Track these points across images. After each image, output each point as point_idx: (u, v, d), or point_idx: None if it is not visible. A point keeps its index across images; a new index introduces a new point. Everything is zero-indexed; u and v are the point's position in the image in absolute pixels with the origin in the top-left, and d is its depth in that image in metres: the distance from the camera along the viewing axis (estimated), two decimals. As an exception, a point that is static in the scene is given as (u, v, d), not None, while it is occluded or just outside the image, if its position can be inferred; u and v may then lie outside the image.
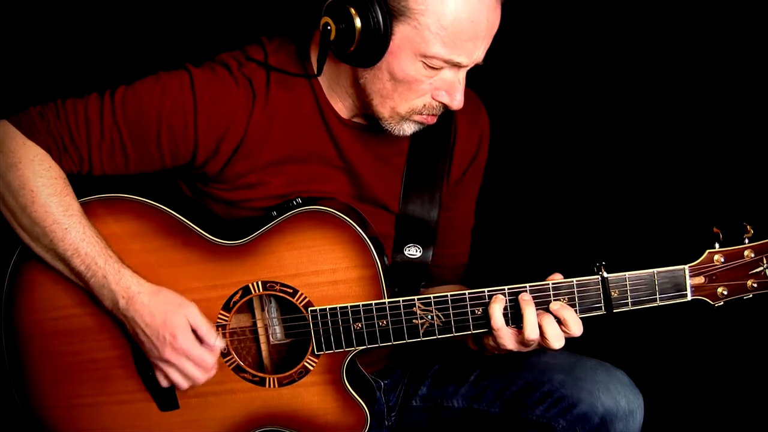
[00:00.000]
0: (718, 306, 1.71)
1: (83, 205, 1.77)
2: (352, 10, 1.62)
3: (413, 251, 1.90)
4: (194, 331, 1.74)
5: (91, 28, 2.50)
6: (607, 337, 1.72)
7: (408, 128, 1.76)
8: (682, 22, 2.52)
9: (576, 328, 1.67)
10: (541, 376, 1.84)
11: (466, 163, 1.94)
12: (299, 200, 1.78)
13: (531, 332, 1.67)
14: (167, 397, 1.82)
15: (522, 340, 1.69)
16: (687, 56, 2.55)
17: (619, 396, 1.77)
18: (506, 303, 1.69)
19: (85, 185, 1.79)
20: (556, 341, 1.67)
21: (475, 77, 1.77)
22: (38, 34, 2.49)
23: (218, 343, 1.76)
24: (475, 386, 1.93)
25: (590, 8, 2.56)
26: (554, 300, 1.69)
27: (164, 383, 1.79)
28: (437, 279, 2.02)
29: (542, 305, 1.70)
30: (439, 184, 1.90)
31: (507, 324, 1.70)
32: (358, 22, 1.62)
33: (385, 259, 1.78)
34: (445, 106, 1.73)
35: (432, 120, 1.76)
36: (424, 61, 1.65)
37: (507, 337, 1.70)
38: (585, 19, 2.58)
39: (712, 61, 2.53)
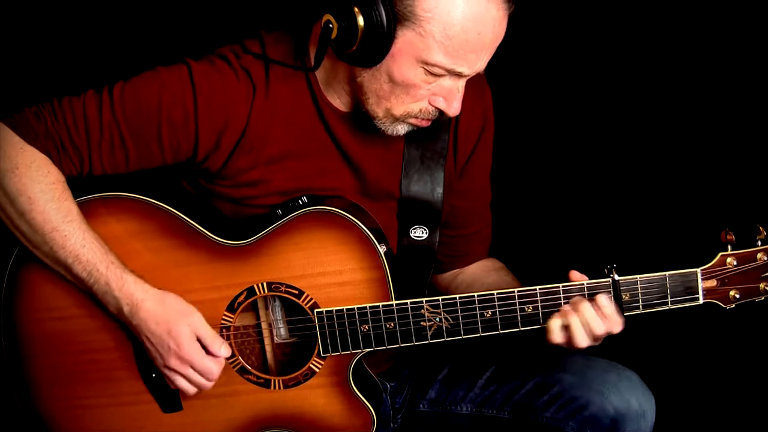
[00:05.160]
0: (730, 308, 1.69)
1: (84, 204, 1.73)
2: (356, 10, 1.58)
3: (419, 233, 1.87)
4: (199, 340, 1.73)
5: (87, 25, 2.44)
6: (617, 338, 1.71)
7: (401, 129, 1.73)
8: (702, 24, 2.48)
9: (607, 308, 1.66)
10: (550, 378, 1.84)
11: (473, 137, 1.90)
12: (305, 199, 1.75)
13: (580, 341, 1.67)
14: (170, 399, 1.80)
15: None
16: (699, 58, 2.51)
17: (630, 397, 1.76)
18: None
19: (85, 184, 1.75)
20: (583, 341, 1.66)
21: (489, 75, 1.73)
22: (33, 31, 2.43)
23: (223, 351, 1.74)
24: (484, 390, 1.92)
25: (606, 7, 2.52)
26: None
27: (172, 386, 1.78)
28: (468, 258, 2.00)
29: (553, 307, 1.69)
30: (441, 162, 1.87)
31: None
32: (361, 22, 1.58)
33: (390, 250, 1.75)
34: (441, 112, 1.70)
35: (426, 124, 1.73)
36: (425, 67, 1.62)
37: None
38: (603, 19, 2.53)
39: (724, 63, 2.49)
